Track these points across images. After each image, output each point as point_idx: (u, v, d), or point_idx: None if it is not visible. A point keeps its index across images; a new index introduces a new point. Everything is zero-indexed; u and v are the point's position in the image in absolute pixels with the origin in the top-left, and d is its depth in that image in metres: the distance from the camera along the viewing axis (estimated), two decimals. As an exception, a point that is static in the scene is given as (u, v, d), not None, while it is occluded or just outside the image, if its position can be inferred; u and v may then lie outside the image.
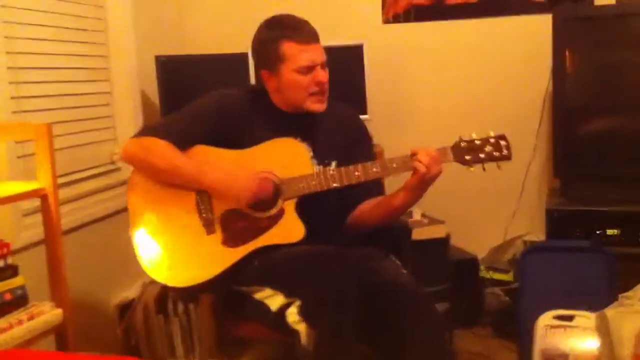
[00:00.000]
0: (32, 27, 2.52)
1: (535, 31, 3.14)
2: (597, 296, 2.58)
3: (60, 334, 1.92)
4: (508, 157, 2.06)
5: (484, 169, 2.07)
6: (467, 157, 2.05)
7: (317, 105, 2.16)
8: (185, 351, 2.85)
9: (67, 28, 2.72)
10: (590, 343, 2.49)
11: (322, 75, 2.14)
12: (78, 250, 2.69)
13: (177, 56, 3.12)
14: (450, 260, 2.92)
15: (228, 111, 2.17)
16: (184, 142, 2.10)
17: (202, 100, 2.21)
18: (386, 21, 3.40)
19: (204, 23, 3.54)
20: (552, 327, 2.60)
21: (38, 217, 2.43)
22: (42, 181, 1.88)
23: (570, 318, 2.60)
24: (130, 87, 3.05)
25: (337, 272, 1.88)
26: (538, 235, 3.13)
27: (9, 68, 2.33)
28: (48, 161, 1.87)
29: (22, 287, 1.86)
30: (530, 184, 3.24)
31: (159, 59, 3.01)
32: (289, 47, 2.10)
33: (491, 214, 3.32)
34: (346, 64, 3.16)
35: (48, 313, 1.86)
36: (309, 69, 2.11)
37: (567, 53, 2.86)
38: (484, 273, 3.17)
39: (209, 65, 3.13)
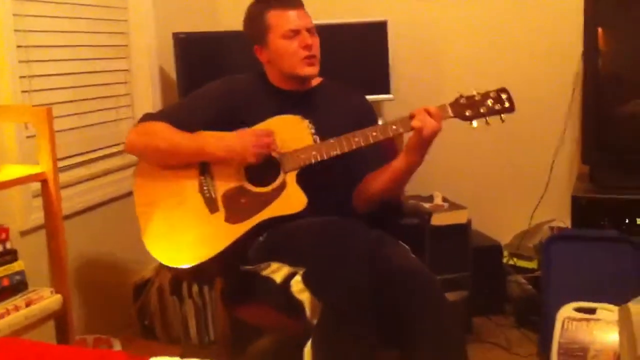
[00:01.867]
0: (45, 4, 2.48)
1: (566, 7, 2.99)
2: (623, 288, 2.48)
3: (59, 320, 1.91)
4: (511, 109, 2.01)
5: (487, 123, 2.00)
6: (468, 113, 2.01)
7: (308, 69, 2.15)
8: (199, 333, 2.84)
9: (84, 5, 2.68)
10: (612, 337, 2.40)
11: (309, 38, 2.13)
12: (97, 228, 2.71)
13: (196, 33, 3.06)
14: (471, 247, 2.83)
15: (233, 97, 2.19)
16: (185, 128, 2.11)
17: (206, 87, 2.24)
18: (414, -6, 3.28)
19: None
20: (573, 319, 2.52)
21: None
22: (42, 165, 1.85)
23: (593, 311, 2.51)
24: (148, 64, 3.00)
25: (347, 250, 1.84)
26: (566, 221, 3.01)
27: (19, 47, 2.30)
28: (48, 145, 1.84)
29: (20, 273, 1.85)
30: (559, 168, 3.11)
31: (176, 35, 2.96)
32: (272, 15, 2.13)
33: (516, 198, 3.21)
34: (369, 41, 3.09)
35: (47, 299, 1.84)
36: (295, 33, 2.12)
37: (599, 31, 2.71)
38: (508, 260, 3.08)
39: (229, 42, 3.07)
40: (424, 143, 1.98)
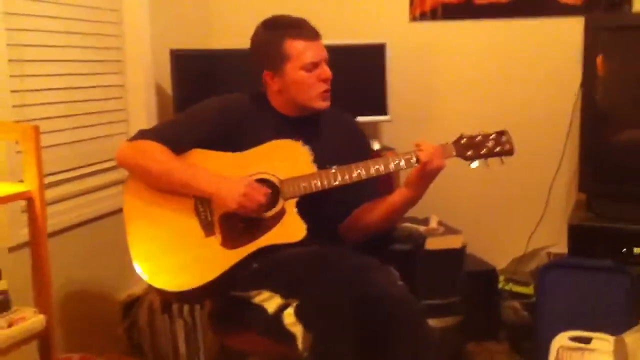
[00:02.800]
0: (39, 18, 2.46)
1: (566, 35, 2.99)
2: (618, 319, 2.46)
3: (42, 341, 1.87)
4: (510, 152, 2.03)
5: (487, 165, 2.03)
6: (469, 153, 2.03)
7: (324, 103, 2.12)
8: (188, 352, 2.80)
9: (78, 20, 2.66)
10: (608, 368, 2.36)
11: (328, 71, 2.10)
12: (87, 244, 2.68)
13: (193, 50, 3.05)
14: (465, 271, 2.80)
15: (228, 115, 2.13)
16: (180, 146, 2.07)
17: (202, 104, 2.18)
18: (413, 19, 3.26)
19: (227, 16, 3.44)
20: (568, 348, 2.48)
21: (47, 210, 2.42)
22: (27, 184, 1.82)
23: (588, 340, 2.47)
24: (144, 80, 2.98)
25: (336, 278, 1.81)
26: (563, 247, 2.98)
27: (10, 61, 2.27)
28: (34, 163, 1.81)
29: (4, 292, 1.81)
30: (557, 193, 3.09)
31: (173, 52, 2.95)
32: (293, 45, 2.07)
33: (514, 223, 3.18)
34: (368, 63, 3.08)
35: (30, 319, 1.80)
36: (315, 66, 2.08)
37: (598, 60, 2.70)
38: (503, 285, 3.04)
39: (226, 61, 3.06)
40: (426, 177, 1.98)
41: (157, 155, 2.04)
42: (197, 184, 2.00)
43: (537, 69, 3.11)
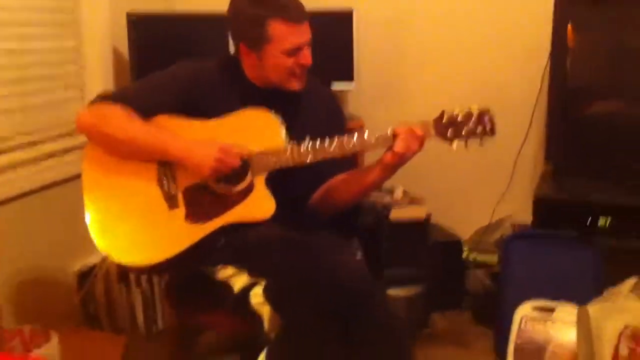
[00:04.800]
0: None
1: (536, 4, 2.92)
2: (582, 289, 2.45)
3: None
4: (491, 133, 1.94)
5: (465, 146, 1.93)
6: (449, 133, 1.92)
7: (296, 84, 2.02)
8: (146, 322, 2.74)
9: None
10: (569, 338, 2.36)
11: (308, 57, 2.00)
12: (38, 213, 2.57)
13: (152, 14, 2.93)
14: (430, 242, 2.77)
15: (196, 81, 2.02)
16: (144, 111, 1.95)
17: (169, 69, 2.06)
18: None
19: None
20: (531, 318, 2.47)
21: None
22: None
23: (551, 310, 2.47)
24: (100, 44, 2.86)
25: (305, 260, 1.78)
26: (528, 218, 2.96)
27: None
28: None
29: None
30: (523, 164, 3.05)
31: (130, 16, 2.83)
32: (277, 27, 1.94)
33: (479, 193, 3.15)
34: (334, 30, 2.98)
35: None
36: (296, 51, 1.96)
37: (568, 28, 2.65)
38: (468, 255, 3.02)
39: (188, 25, 2.94)
40: (402, 163, 1.91)
41: (122, 120, 1.91)
42: (166, 148, 1.90)
43: (506, 38, 3.05)
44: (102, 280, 2.69)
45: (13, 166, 2.48)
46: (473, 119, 1.93)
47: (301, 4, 2.00)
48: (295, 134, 2.02)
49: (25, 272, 2.52)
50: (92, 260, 2.73)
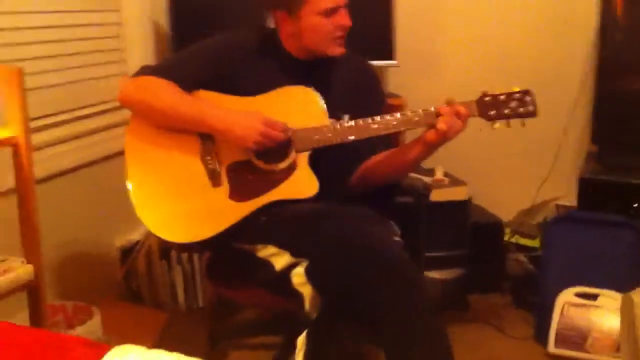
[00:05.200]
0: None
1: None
2: (626, 275, 2.40)
3: (31, 291, 1.81)
4: (533, 114, 1.92)
5: (508, 125, 1.92)
6: (491, 113, 1.91)
7: (339, 49, 1.99)
8: (187, 298, 2.77)
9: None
10: (612, 325, 2.32)
11: (346, 17, 1.96)
12: (82, 189, 2.61)
13: (192, -13, 2.91)
14: (471, 223, 2.72)
15: (235, 54, 2.00)
16: (185, 83, 1.94)
17: (207, 41, 2.04)
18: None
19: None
20: (574, 304, 2.44)
21: (40, 155, 2.36)
22: (12, 129, 1.73)
23: (594, 297, 2.43)
24: (141, 18, 2.87)
25: (353, 243, 1.73)
26: (572, 200, 2.90)
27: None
28: (18, 108, 1.70)
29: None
30: (568, 144, 2.98)
31: (171, -11, 2.82)
32: None
33: (523, 174, 3.08)
34: (373, 4, 2.92)
35: (17, 270, 1.74)
36: (333, 11, 1.93)
37: (618, 1, 2.55)
38: (510, 237, 2.97)
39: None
40: (444, 142, 1.89)
41: (164, 90, 1.91)
42: (209, 119, 1.88)
43: (551, 9, 2.95)
44: (145, 256, 2.72)
45: (56, 142, 2.51)
46: (515, 99, 1.91)
47: None
48: (334, 108, 1.99)
49: (69, 247, 2.57)
50: (135, 236, 2.77)
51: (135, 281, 2.76)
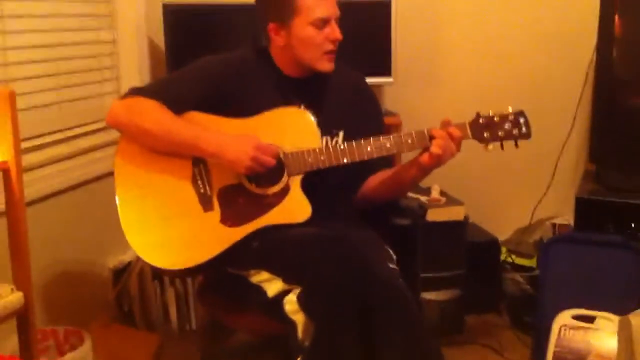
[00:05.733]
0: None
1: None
2: (623, 297, 2.36)
3: (21, 318, 1.77)
4: (527, 136, 1.92)
5: (502, 148, 1.93)
6: (485, 135, 1.91)
7: (328, 65, 1.98)
8: (179, 320, 2.73)
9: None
10: (610, 349, 2.28)
11: (337, 31, 1.95)
12: (74, 209, 2.57)
13: (187, 4, 2.89)
14: (467, 243, 2.70)
15: (227, 72, 1.99)
16: (177, 105, 1.91)
17: (199, 62, 2.03)
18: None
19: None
20: (571, 327, 2.40)
21: (31, 176, 2.34)
22: (3, 153, 1.70)
23: (591, 319, 2.39)
24: (136, 35, 2.85)
25: (340, 260, 1.73)
26: (569, 218, 2.89)
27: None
28: (9, 130, 1.67)
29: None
30: (565, 163, 2.97)
31: (166, 6, 2.80)
32: None
33: (519, 192, 3.08)
34: (371, 20, 2.91)
35: (6, 297, 1.70)
36: (325, 23, 1.93)
37: (615, 19, 2.54)
38: (506, 257, 2.95)
39: (222, 16, 2.89)
40: (439, 165, 1.88)
41: (155, 113, 1.88)
42: (199, 143, 1.86)
43: (549, 29, 2.96)
44: (137, 277, 2.69)
45: (48, 163, 2.47)
46: (509, 121, 1.91)
47: None
48: (329, 125, 1.99)
49: (60, 268, 2.53)
50: (127, 257, 2.73)
51: (128, 303, 2.72)
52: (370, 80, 2.60)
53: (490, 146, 1.91)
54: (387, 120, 2.71)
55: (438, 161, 1.86)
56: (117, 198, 1.92)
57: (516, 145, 1.92)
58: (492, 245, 2.86)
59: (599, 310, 2.39)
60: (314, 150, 1.90)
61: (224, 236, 1.87)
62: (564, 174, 2.98)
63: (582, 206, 2.55)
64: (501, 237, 2.93)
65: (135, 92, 1.96)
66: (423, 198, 2.69)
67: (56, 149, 2.53)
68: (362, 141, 1.89)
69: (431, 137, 1.86)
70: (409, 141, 1.89)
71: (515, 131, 1.90)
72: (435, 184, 2.79)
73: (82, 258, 2.65)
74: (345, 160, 1.89)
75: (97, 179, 2.65)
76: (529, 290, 2.82)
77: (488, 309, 2.85)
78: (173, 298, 2.71)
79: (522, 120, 1.91)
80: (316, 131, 1.94)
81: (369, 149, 1.89)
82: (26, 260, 1.79)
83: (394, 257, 1.96)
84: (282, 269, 1.81)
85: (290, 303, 1.76)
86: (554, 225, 2.98)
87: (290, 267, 1.79)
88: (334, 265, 1.71)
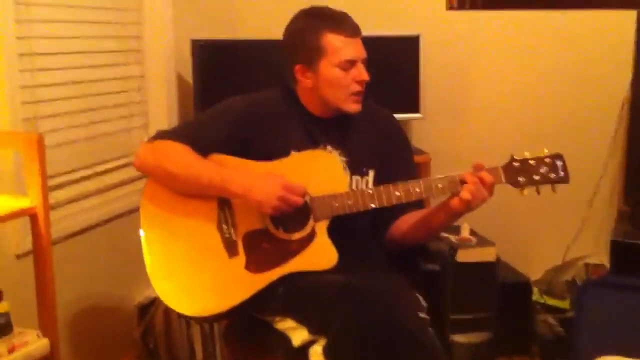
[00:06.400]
0: (51, 7, 2.31)
1: (616, 29, 2.78)
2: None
3: (47, 364, 1.76)
4: (565, 179, 1.86)
5: (538, 193, 1.86)
6: (520, 179, 1.84)
7: (355, 106, 1.96)
8: (205, 357, 2.70)
9: (95, 8, 2.52)
10: (649, 401, 2.21)
11: (364, 72, 1.94)
12: (101, 245, 2.56)
13: (215, 40, 2.90)
14: (498, 284, 2.64)
15: (255, 117, 1.97)
16: (203, 147, 1.91)
17: (226, 103, 2.02)
18: (450, 7, 3.06)
19: (252, 6, 3.24)
20: (607, 376, 2.33)
21: (57, 214, 2.33)
22: (31, 198, 1.69)
23: (628, 366, 2.32)
24: (165, 71, 2.84)
25: (367, 313, 1.68)
26: (602, 258, 2.82)
27: (20, 55, 2.14)
28: (38, 175, 1.67)
29: (5, 315, 1.68)
30: (598, 202, 2.91)
31: (195, 42, 2.81)
32: (331, 39, 1.90)
33: (551, 232, 3.01)
34: (400, 56, 2.91)
35: (32, 344, 1.68)
36: (351, 65, 1.92)
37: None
38: (537, 297, 2.87)
39: (249, 52, 2.91)
40: (469, 211, 1.83)
41: (181, 155, 1.88)
42: (226, 184, 1.84)
43: (582, 66, 2.91)
44: (162, 314, 2.66)
45: (76, 199, 2.47)
46: (545, 164, 1.85)
47: (355, 22, 1.96)
48: (358, 165, 1.97)
49: (86, 304, 2.51)
50: (153, 292, 2.69)
51: (153, 340, 2.69)
52: (398, 116, 2.58)
53: (526, 191, 1.84)
54: (416, 158, 2.67)
55: (468, 207, 1.81)
56: (142, 241, 1.90)
57: (553, 189, 1.85)
58: (524, 285, 2.79)
59: (636, 357, 2.32)
60: (341, 194, 1.86)
61: (248, 283, 1.83)
62: (596, 213, 2.91)
63: (618, 249, 2.48)
64: (532, 277, 2.87)
65: (162, 135, 1.96)
66: (452, 237, 2.64)
67: (83, 186, 2.52)
68: (391, 186, 1.85)
69: (462, 182, 1.81)
70: (440, 186, 1.84)
71: (552, 175, 1.84)
72: (465, 222, 2.74)
73: (107, 294, 2.64)
74: (372, 206, 1.85)
75: (123, 215, 2.64)
76: (561, 333, 2.74)
77: (519, 352, 2.76)
78: (199, 336, 2.67)
79: (559, 163, 1.84)
80: (343, 175, 1.93)
81: (397, 193, 1.84)
82: (52, 305, 1.78)
83: (424, 304, 1.91)
84: (308, 318, 1.77)
85: (316, 355, 1.71)
86: (586, 265, 2.90)
87: (316, 318, 1.74)
88: (360, 318, 1.66)
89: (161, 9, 2.78)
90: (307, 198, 1.86)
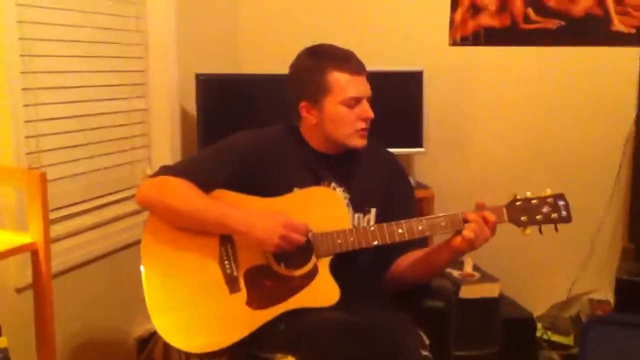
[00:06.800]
0: (55, 43, 2.32)
1: (619, 66, 2.79)
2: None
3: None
4: (567, 219, 1.87)
5: (540, 232, 1.87)
6: (522, 218, 1.86)
7: (360, 141, 1.97)
8: (205, 392, 2.67)
9: (99, 42, 2.53)
10: None
11: (368, 110, 1.95)
12: (101, 278, 2.55)
13: (219, 74, 2.92)
14: (501, 320, 2.61)
15: (258, 154, 1.98)
16: (206, 184, 1.90)
17: (230, 139, 2.03)
18: (453, 43, 3.08)
19: (256, 41, 3.27)
20: (613, 415, 2.30)
21: (58, 247, 2.32)
22: (32, 234, 1.69)
23: (634, 406, 2.29)
24: (169, 104, 2.84)
25: (369, 353, 1.67)
26: (607, 293, 2.79)
27: (24, 89, 2.15)
28: (39, 212, 1.66)
29: (3, 351, 1.67)
30: (602, 238, 2.90)
31: (199, 76, 2.82)
32: (336, 77, 1.91)
33: (555, 267, 2.98)
34: (403, 91, 2.92)
35: (31, 381, 1.68)
36: (356, 102, 1.93)
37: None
38: (542, 333, 2.85)
39: (253, 86, 2.93)
40: (472, 250, 1.85)
41: (183, 191, 1.87)
42: (228, 221, 1.83)
43: (586, 101, 2.92)
44: (162, 348, 2.64)
45: (77, 232, 2.45)
46: (547, 204, 1.86)
47: (359, 59, 1.97)
48: (361, 203, 1.97)
49: (85, 337, 2.49)
50: (152, 327, 2.67)
51: (153, 373, 2.67)
52: (401, 150, 2.60)
53: (528, 230, 1.86)
54: (419, 193, 2.67)
55: (471, 246, 1.82)
56: (142, 276, 1.89)
57: (556, 229, 1.86)
58: (528, 321, 2.77)
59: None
60: (344, 231, 1.86)
61: (249, 319, 1.82)
62: (601, 249, 2.90)
63: (623, 287, 2.48)
64: (536, 312, 2.85)
65: (165, 171, 1.96)
66: (456, 272, 2.63)
67: (84, 219, 2.51)
68: (394, 224, 1.86)
69: (465, 221, 1.82)
70: (442, 224, 1.85)
71: (554, 215, 1.85)
72: (468, 257, 2.73)
73: (107, 327, 2.62)
74: (375, 243, 1.86)
75: (123, 248, 2.63)
76: (566, 370, 2.72)
77: (523, 390, 2.74)
78: (199, 370, 2.65)
79: (561, 203, 1.86)
80: (346, 212, 1.93)
81: (400, 231, 1.85)
82: (52, 340, 1.77)
83: (427, 341, 1.89)
84: (309, 356, 1.75)
85: None
86: (591, 300, 2.88)
87: (318, 356, 1.73)
88: (363, 357, 1.65)
89: (166, 43, 2.79)
90: (310, 234, 1.85)
